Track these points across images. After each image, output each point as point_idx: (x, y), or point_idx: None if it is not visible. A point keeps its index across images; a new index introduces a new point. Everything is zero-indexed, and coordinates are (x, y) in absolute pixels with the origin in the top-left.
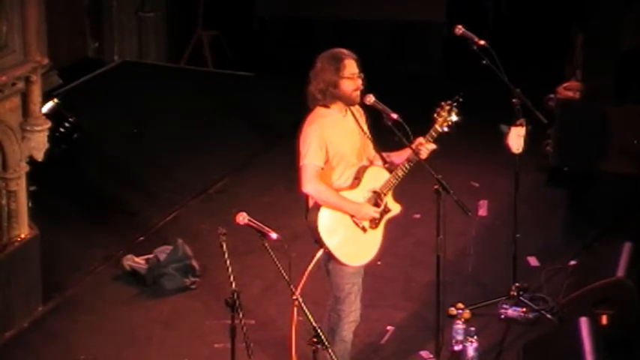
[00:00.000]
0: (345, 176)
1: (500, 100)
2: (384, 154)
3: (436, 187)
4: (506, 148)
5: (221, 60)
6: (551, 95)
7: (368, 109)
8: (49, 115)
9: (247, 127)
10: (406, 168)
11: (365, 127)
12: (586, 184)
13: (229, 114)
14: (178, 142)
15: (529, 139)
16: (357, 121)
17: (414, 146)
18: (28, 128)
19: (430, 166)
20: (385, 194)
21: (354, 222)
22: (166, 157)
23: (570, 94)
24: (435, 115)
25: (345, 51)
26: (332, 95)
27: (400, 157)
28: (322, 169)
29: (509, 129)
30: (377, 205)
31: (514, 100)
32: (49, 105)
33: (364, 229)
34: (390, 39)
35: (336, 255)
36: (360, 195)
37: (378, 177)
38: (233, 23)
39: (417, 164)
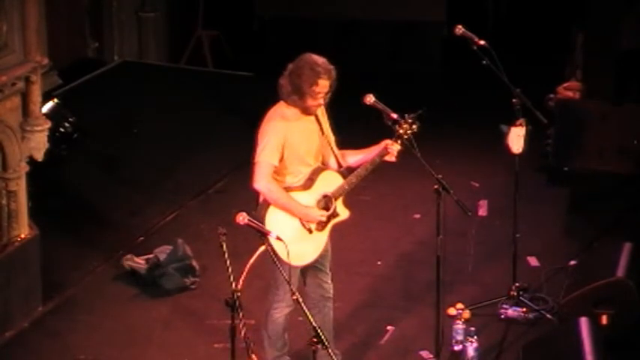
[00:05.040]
0: (300, 176)
1: (500, 100)
2: (340, 154)
3: (436, 187)
4: (506, 148)
5: (221, 60)
6: (551, 95)
7: (368, 109)
8: (49, 115)
9: (247, 127)
10: (361, 175)
11: (327, 127)
12: (586, 184)
13: (229, 114)
14: (178, 142)
15: (529, 139)
16: (318, 121)
17: (382, 145)
18: (28, 128)
19: (430, 166)
20: (336, 199)
21: (302, 223)
22: (166, 157)
23: (570, 94)
24: (397, 127)
25: (326, 67)
26: (293, 101)
27: (356, 157)
28: (276, 166)
29: (509, 129)
30: (326, 208)
31: (514, 100)
32: (49, 105)
33: (310, 231)
34: (390, 39)
35: (278, 253)
36: (312, 197)
37: (331, 181)
38: (233, 23)
39: (417, 160)
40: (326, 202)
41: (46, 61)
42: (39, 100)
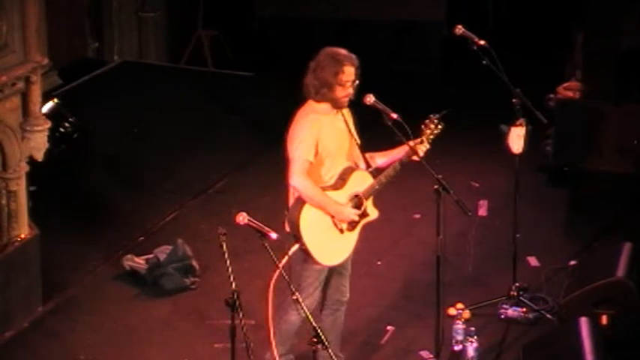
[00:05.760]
0: (331, 173)
1: (500, 100)
2: (368, 156)
3: (436, 187)
4: (506, 148)
5: (221, 60)
6: (551, 95)
7: (368, 109)
8: (49, 115)
9: (247, 127)
10: (390, 175)
11: (353, 130)
12: (586, 184)
13: (229, 114)
14: (178, 142)
15: (529, 139)
16: (346, 122)
17: (411, 144)
18: (28, 128)
19: (430, 166)
20: (366, 199)
21: (334, 222)
22: (166, 157)
23: (570, 94)
24: (423, 127)
25: (347, 55)
26: (323, 95)
27: (384, 159)
28: (311, 163)
29: (509, 129)
30: (357, 208)
31: (514, 100)
32: (49, 105)
33: (342, 231)
34: (390, 39)
35: (311, 252)
36: (343, 197)
37: (362, 181)
38: (233, 23)
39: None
40: (357, 201)
41: (46, 61)
42: (39, 100)
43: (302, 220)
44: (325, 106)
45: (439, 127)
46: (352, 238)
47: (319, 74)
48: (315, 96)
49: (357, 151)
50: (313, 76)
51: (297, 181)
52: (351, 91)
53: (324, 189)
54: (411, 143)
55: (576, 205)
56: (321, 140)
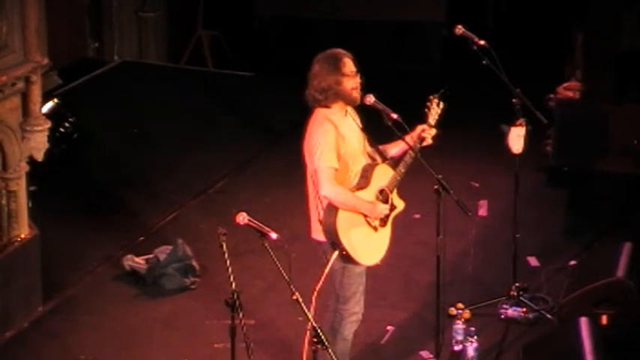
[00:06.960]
0: (354, 172)
1: (500, 100)
2: (381, 148)
3: (436, 187)
4: (506, 148)
5: (221, 60)
6: (551, 95)
7: (368, 109)
8: (49, 115)
9: (247, 127)
10: (408, 164)
11: (360, 126)
12: (586, 184)
13: (229, 114)
14: (178, 142)
15: (529, 139)
16: (354, 120)
17: (418, 131)
18: (28, 128)
19: (430, 166)
20: (391, 192)
21: (367, 221)
22: (166, 157)
23: (570, 94)
24: (426, 111)
25: (341, 50)
26: (334, 94)
27: (396, 148)
28: (336, 169)
29: (509, 129)
30: (385, 202)
31: (514, 100)
32: (49, 105)
33: (375, 228)
34: (390, 39)
35: (353, 255)
36: (371, 194)
37: (384, 175)
38: (233, 23)
39: (417, 160)
40: (384, 196)
41: (46, 61)
42: (39, 100)
43: (339, 226)
44: (335, 109)
45: (440, 106)
46: (386, 233)
47: (322, 77)
48: (324, 101)
49: (369, 147)
50: (317, 82)
51: (328, 189)
52: (358, 80)
53: (351, 190)
54: (418, 129)
55: (576, 205)
56: (342, 143)
